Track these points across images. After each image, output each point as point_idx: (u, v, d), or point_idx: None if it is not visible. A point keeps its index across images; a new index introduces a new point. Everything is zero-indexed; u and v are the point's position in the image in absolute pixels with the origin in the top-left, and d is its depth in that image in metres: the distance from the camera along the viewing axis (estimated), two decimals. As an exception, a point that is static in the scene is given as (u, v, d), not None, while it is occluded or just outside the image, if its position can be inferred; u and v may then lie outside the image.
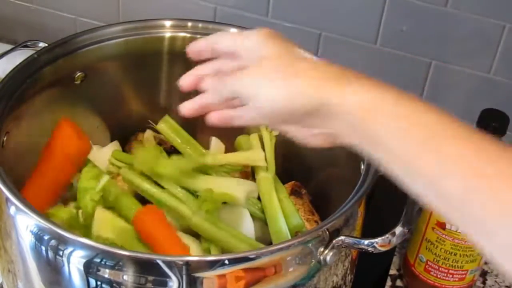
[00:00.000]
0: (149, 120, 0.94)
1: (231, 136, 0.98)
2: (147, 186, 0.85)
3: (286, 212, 0.87)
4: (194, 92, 0.97)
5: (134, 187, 0.87)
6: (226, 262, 0.65)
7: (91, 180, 0.81)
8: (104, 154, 0.93)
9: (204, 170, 0.89)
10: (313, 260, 0.69)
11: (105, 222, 0.80)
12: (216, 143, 0.97)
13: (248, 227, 0.86)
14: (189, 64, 0.95)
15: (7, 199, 0.69)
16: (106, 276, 0.65)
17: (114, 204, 0.84)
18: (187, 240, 0.81)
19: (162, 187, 0.86)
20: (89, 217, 0.78)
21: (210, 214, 0.81)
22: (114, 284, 0.65)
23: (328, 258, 0.69)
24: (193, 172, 0.87)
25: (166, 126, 0.93)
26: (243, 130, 0.97)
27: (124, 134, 0.98)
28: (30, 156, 0.86)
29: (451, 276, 0.96)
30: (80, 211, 0.81)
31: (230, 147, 0.98)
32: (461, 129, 0.54)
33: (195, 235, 0.84)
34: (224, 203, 0.86)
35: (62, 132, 0.86)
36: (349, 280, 0.79)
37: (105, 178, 0.81)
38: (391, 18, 1.10)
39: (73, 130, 0.86)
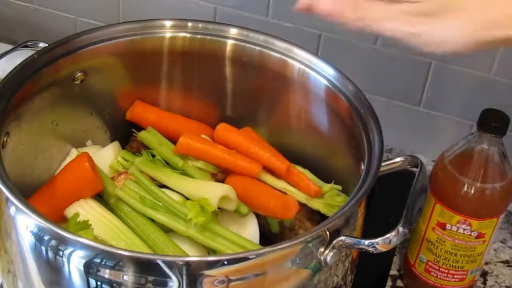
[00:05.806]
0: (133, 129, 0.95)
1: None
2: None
3: None
4: (194, 92, 0.98)
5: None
6: (226, 262, 0.65)
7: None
8: (104, 154, 0.93)
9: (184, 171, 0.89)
10: (313, 260, 0.69)
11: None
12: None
13: (253, 229, 0.86)
14: (189, 64, 0.96)
15: (7, 199, 0.69)
16: (106, 276, 0.65)
17: (114, 207, 0.84)
18: (188, 245, 0.81)
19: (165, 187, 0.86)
20: None
21: (203, 225, 0.79)
22: (114, 284, 0.65)
23: (328, 258, 0.69)
24: (169, 170, 0.88)
25: (150, 135, 0.93)
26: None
27: (124, 134, 0.98)
28: (30, 156, 0.86)
29: (451, 276, 0.95)
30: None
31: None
32: None
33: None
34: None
35: (79, 164, 0.85)
36: (350, 281, 0.79)
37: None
38: (391, 18, 1.10)
39: (90, 165, 0.84)
